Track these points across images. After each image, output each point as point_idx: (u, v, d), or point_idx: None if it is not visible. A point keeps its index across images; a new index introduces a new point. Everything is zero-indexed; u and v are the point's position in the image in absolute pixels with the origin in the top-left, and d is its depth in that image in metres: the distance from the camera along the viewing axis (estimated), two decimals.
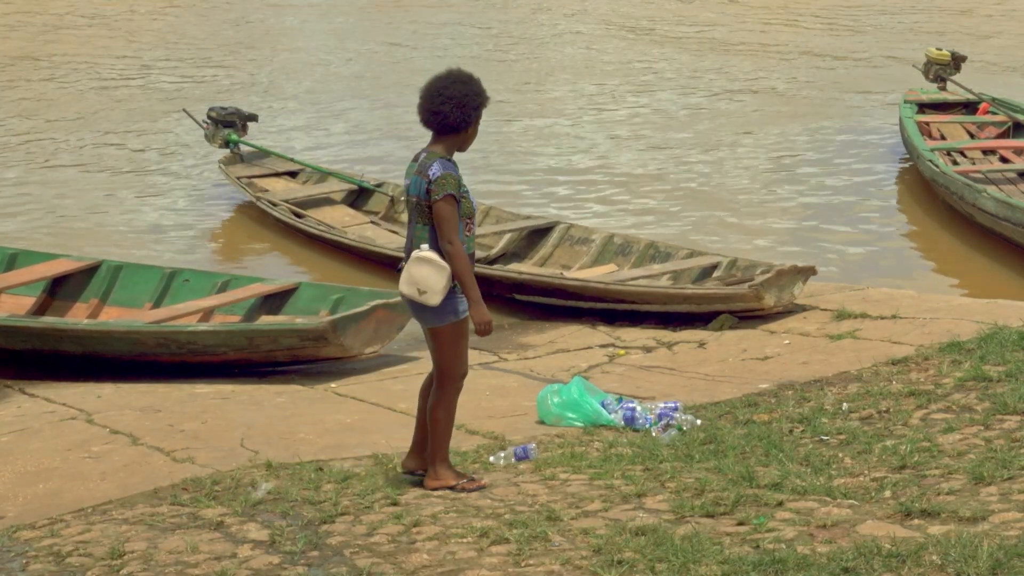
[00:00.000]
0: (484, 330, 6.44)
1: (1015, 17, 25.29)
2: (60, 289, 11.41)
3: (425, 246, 6.38)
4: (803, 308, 10.38)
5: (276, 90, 20.30)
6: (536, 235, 12.43)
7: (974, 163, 14.35)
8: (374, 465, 7.04)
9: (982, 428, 6.97)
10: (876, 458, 6.68)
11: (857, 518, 5.85)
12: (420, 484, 6.68)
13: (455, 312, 6.45)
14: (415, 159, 6.52)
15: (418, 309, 6.48)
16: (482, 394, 8.71)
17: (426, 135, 6.59)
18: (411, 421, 8.16)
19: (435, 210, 6.34)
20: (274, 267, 12.95)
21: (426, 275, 6.33)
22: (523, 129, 17.70)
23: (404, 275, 6.40)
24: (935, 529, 5.64)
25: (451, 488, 6.59)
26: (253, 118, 15.05)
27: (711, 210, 14.35)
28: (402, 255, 12.27)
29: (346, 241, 12.75)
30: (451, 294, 6.40)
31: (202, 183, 15.62)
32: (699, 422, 7.54)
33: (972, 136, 15.42)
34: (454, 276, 6.36)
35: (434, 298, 6.33)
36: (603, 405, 7.79)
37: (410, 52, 22.94)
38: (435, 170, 6.37)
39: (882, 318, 9.76)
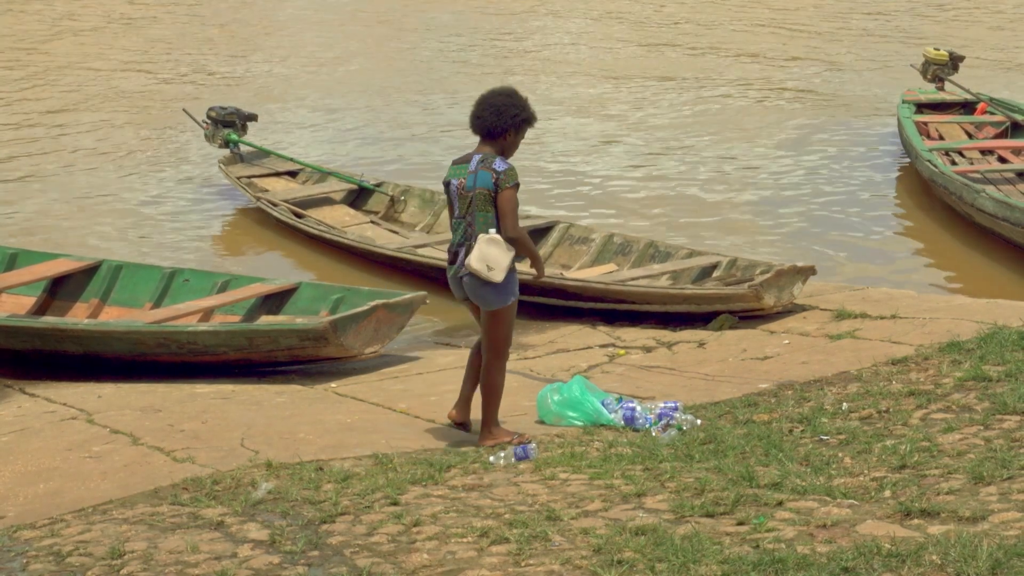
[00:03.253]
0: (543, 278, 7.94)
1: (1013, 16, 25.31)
2: (60, 289, 11.41)
3: (493, 230, 7.23)
4: (803, 308, 10.39)
5: (276, 89, 20.30)
6: (536, 235, 12.41)
7: (972, 163, 14.35)
8: (374, 465, 7.04)
9: (982, 428, 6.98)
10: (876, 458, 6.68)
11: (857, 518, 5.86)
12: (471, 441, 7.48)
13: (514, 293, 7.35)
14: (464, 160, 7.39)
15: (482, 293, 7.30)
16: None
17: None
18: (412, 421, 8.17)
19: (502, 197, 7.22)
20: (274, 267, 12.95)
21: (496, 254, 7.20)
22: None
23: (476, 252, 7.21)
24: (935, 529, 5.64)
25: (508, 443, 7.28)
26: (253, 118, 15.05)
27: (710, 210, 14.36)
28: (402, 255, 12.30)
29: (346, 241, 12.75)
30: (511, 276, 7.29)
31: (202, 183, 15.63)
32: (699, 422, 7.54)
33: (970, 136, 15.43)
34: (528, 255, 7.46)
35: (498, 275, 7.21)
36: (603, 405, 7.79)
37: (411, 51, 22.95)
38: (499, 164, 7.26)
39: (882, 318, 9.76)
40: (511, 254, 7.25)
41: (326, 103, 19.44)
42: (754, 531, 5.79)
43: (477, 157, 7.32)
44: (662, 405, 7.73)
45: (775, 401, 7.99)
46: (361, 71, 21.61)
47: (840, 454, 6.81)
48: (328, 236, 12.92)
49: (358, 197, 14.13)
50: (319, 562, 5.75)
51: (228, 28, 25.48)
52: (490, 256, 7.20)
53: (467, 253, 7.30)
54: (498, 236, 7.22)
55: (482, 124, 7.33)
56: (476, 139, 7.47)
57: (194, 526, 6.22)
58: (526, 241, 7.38)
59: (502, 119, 7.29)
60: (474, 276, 7.27)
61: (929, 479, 6.30)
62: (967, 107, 16.12)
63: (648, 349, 10.00)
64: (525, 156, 16.32)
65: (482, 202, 7.24)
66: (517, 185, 7.26)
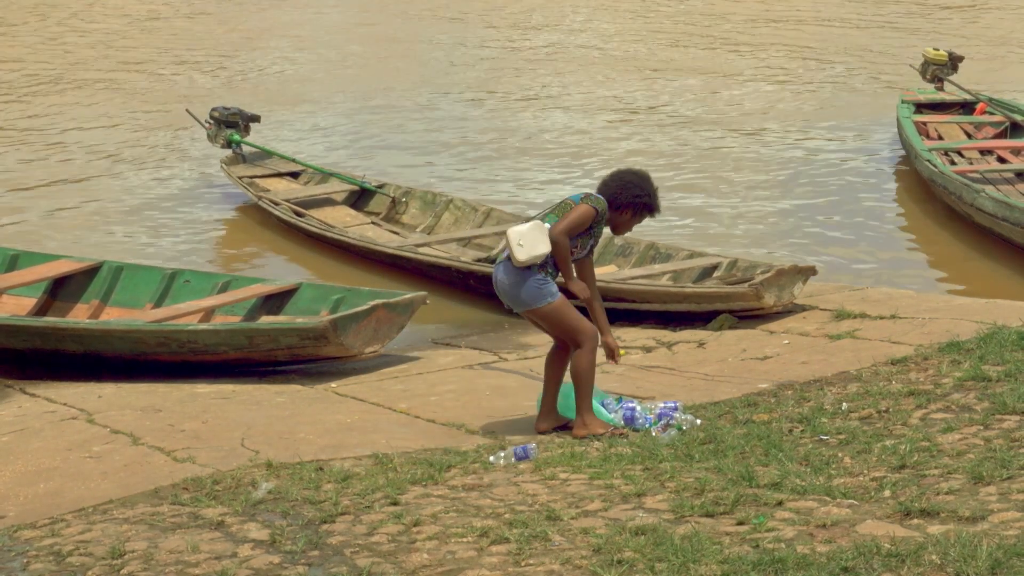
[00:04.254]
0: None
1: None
2: (61, 290, 11.42)
3: (547, 225, 7.52)
4: (803, 308, 10.39)
5: (279, 91, 20.30)
6: None
7: (972, 163, 14.37)
8: (374, 465, 7.04)
9: (981, 428, 6.98)
10: (876, 458, 6.68)
11: (857, 518, 5.86)
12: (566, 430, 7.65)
13: (550, 295, 7.56)
14: None
15: (511, 293, 7.57)
16: (482, 394, 8.72)
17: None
18: (412, 421, 8.18)
19: (577, 207, 7.53)
20: (275, 267, 12.97)
21: (533, 237, 7.46)
22: (526, 130, 17.71)
23: (520, 227, 7.53)
24: (935, 529, 5.64)
25: (598, 436, 7.45)
26: (255, 118, 15.07)
27: (711, 211, 14.36)
28: (403, 254, 12.44)
29: (347, 240, 12.76)
30: (543, 279, 7.52)
31: (204, 183, 15.63)
32: (699, 422, 7.54)
33: (970, 136, 15.44)
34: (558, 259, 7.50)
35: (521, 254, 7.44)
36: (603, 405, 7.79)
37: (415, 53, 22.94)
38: (598, 195, 7.67)
39: (882, 318, 9.77)
40: (546, 251, 7.44)
41: (329, 104, 19.44)
42: (754, 531, 5.79)
43: None
44: (662, 405, 7.73)
45: (775, 401, 7.99)
46: (365, 73, 21.61)
47: (840, 454, 6.81)
48: (329, 235, 12.93)
49: (359, 198, 14.13)
50: (319, 562, 5.76)
51: (232, 29, 25.48)
52: (527, 235, 7.45)
53: None
54: (547, 228, 7.48)
55: (606, 191, 7.70)
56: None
57: (194, 526, 6.22)
58: (562, 248, 7.49)
59: (625, 194, 7.68)
60: (504, 273, 7.54)
61: (929, 479, 6.30)
62: (966, 107, 16.14)
63: (648, 349, 10.00)
64: (527, 158, 16.35)
65: (559, 208, 7.60)
66: (597, 211, 7.53)
